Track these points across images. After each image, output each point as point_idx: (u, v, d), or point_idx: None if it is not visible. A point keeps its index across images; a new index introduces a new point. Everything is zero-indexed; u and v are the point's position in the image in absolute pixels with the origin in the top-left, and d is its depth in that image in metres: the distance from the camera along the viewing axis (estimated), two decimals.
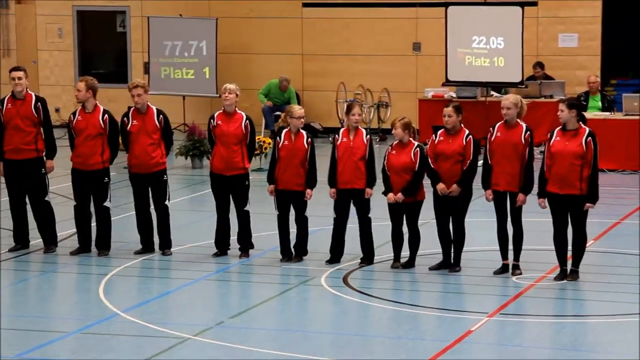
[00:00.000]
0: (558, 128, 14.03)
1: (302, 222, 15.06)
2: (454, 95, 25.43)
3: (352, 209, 14.89)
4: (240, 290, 14.30)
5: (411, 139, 14.56)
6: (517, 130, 14.23)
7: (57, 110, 29.34)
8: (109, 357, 11.41)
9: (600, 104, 23.94)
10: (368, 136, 14.88)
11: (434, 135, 14.61)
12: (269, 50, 28.17)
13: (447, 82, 25.74)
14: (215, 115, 15.49)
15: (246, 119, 15.27)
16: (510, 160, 14.16)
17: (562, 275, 14.11)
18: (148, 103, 15.60)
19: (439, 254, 14.64)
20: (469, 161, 14.30)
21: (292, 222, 15.11)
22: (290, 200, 14.96)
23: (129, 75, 29.20)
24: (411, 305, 13.36)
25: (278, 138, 15.05)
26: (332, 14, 27.88)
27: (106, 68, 29.91)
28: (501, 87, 25.32)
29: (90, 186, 15.55)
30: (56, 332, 12.29)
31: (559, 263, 14.15)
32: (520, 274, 14.27)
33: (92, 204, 15.65)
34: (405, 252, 14.70)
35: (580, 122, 13.99)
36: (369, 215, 14.81)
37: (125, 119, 15.57)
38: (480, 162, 14.51)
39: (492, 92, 25.29)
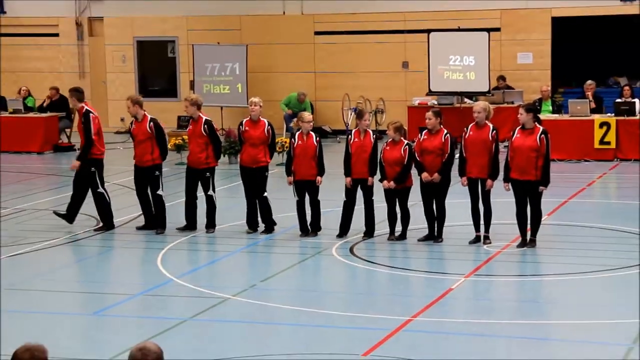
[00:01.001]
0: (518, 127, 14.02)
1: (315, 205, 15.03)
2: (436, 102, 25.33)
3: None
4: (267, 260, 14.25)
5: (402, 138, 14.53)
6: (485, 130, 14.21)
7: (122, 119, 29.35)
8: (165, 314, 11.44)
9: (550, 107, 23.89)
10: (374, 136, 14.88)
11: (419, 135, 14.59)
12: (287, 70, 28.13)
13: (430, 92, 25.66)
14: (244, 121, 15.51)
15: (268, 125, 15.30)
16: (480, 153, 14.14)
17: (523, 244, 14.09)
18: (200, 113, 15.53)
19: (425, 228, 14.61)
20: (447, 155, 14.31)
21: (307, 205, 15.11)
22: (306, 188, 14.95)
23: (178, 91, 29.16)
24: (404, 269, 13.36)
25: (293, 139, 15.06)
26: (338, 40, 27.82)
27: (160, 86, 29.88)
28: (472, 95, 25.24)
29: (145, 178, 15.57)
30: (124, 294, 12.31)
31: (520, 234, 14.13)
32: (490, 243, 14.24)
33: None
34: (398, 228, 14.69)
35: (536, 123, 14.02)
36: (372, 198, 14.81)
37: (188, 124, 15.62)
38: (456, 155, 14.50)
39: (466, 100, 25.20)
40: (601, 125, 22.09)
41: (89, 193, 15.69)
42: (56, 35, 29.81)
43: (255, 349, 10.14)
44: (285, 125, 26.68)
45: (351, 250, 14.24)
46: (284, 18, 28.15)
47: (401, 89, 27.32)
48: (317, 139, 14.97)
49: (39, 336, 6.80)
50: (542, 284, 12.74)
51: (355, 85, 27.32)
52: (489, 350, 10.05)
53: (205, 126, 15.43)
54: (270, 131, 15.30)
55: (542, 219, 14.30)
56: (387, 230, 14.73)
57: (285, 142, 22.21)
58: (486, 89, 24.98)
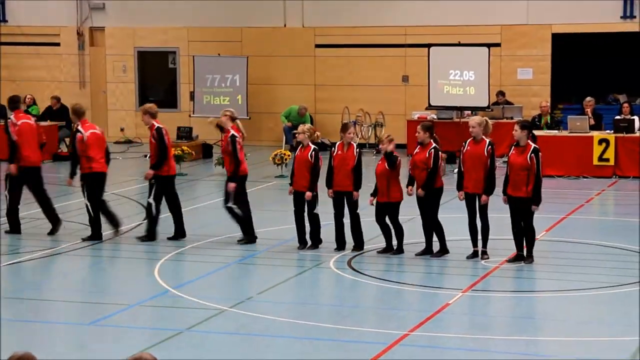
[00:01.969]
0: (514, 144, 14.03)
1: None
2: (435, 117, 25.37)
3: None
4: (265, 272, 14.17)
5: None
6: (482, 145, 14.18)
7: (121, 129, 29.39)
8: (161, 325, 11.42)
9: (549, 123, 23.93)
10: (358, 150, 14.84)
11: (416, 149, 14.62)
12: (288, 82, 28.17)
13: (430, 107, 25.68)
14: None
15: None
16: (476, 168, 14.12)
17: (517, 259, 14.09)
18: (153, 121, 15.62)
19: (423, 243, 14.62)
20: (429, 169, 14.30)
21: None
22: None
23: (178, 102, 29.21)
24: (401, 283, 13.34)
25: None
26: (338, 53, 27.86)
27: (160, 96, 29.85)
28: (472, 110, 25.27)
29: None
30: (120, 304, 12.29)
31: (516, 249, 14.13)
32: (488, 258, 14.23)
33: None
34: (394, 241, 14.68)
35: (530, 140, 13.97)
36: (357, 212, 14.75)
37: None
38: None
39: (465, 114, 25.24)
40: (600, 142, 22.10)
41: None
42: (57, 44, 29.87)
43: None
44: (284, 137, 26.72)
45: (349, 263, 14.23)
46: (284, 30, 28.20)
47: (401, 102, 27.36)
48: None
49: (35, 346, 6.79)
50: (539, 300, 12.73)
51: (355, 99, 27.37)
52: None
53: (155, 132, 15.51)
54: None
55: (540, 235, 14.29)
56: (385, 243, 14.70)
57: (285, 154, 22.27)
58: (486, 104, 25.00)
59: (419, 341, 10.73)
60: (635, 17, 25.60)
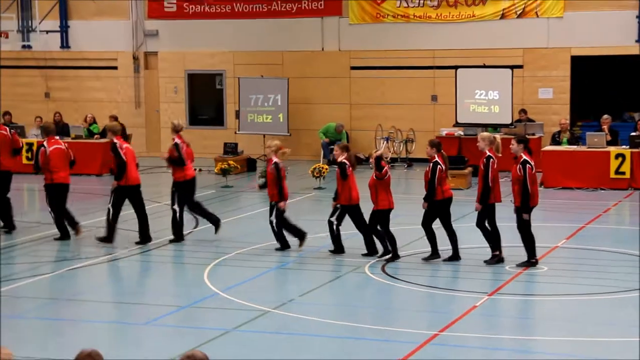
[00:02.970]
0: (514, 157, 13.98)
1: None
2: (462, 133, 25.29)
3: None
4: (305, 276, 14.09)
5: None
6: (482, 158, 14.13)
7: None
8: (210, 325, 11.46)
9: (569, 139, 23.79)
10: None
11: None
12: (325, 101, 28.16)
13: (457, 124, 25.61)
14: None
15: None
16: (479, 180, 14.14)
17: (526, 264, 14.00)
18: (113, 138, 15.89)
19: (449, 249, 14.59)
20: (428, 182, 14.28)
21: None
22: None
23: (224, 120, 29.28)
24: (430, 287, 13.31)
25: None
26: (372, 74, 27.82)
27: (208, 115, 29.98)
28: (496, 127, 25.19)
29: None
30: (173, 306, 12.36)
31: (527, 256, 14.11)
32: (493, 261, 14.14)
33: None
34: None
35: (524, 154, 13.84)
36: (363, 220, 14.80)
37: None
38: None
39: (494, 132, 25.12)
40: (617, 156, 21.94)
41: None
42: (115, 68, 30.08)
43: (287, 358, 10.14)
44: (322, 152, 26.72)
45: (382, 268, 14.21)
46: (322, 54, 28.24)
47: (430, 120, 27.27)
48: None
49: (96, 345, 6.84)
50: (561, 303, 12.62)
51: (387, 116, 27.33)
52: None
53: (110, 147, 16.00)
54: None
55: (561, 242, 14.18)
56: (420, 250, 14.66)
57: (323, 167, 22.28)
58: (509, 122, 24.91)
59: (449, 341, 10.70)
60: None
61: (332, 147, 25.77)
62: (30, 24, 29.30)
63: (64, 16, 29.87)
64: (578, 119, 26.77)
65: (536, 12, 26.17)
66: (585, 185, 21.96)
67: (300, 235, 15.35)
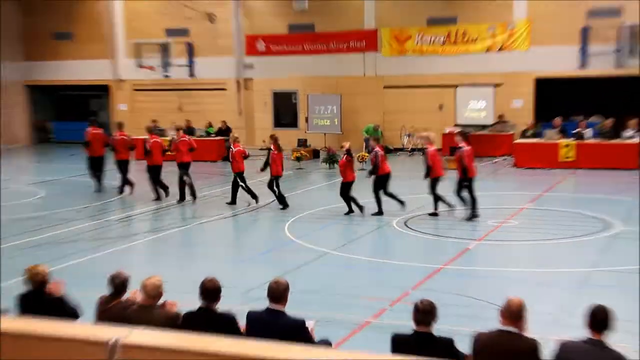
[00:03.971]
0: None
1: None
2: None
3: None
4: (353, 229, 14.05)
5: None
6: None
7: (263, 141, 29.49)
8: (289, 260, 11.40)
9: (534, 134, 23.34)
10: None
11: None
12: (366, 110, 28.05)
13: (456, 125, 25.33)
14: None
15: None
16: None
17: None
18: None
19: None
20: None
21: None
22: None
23: (298, 123, 29.26)
24: (437, 235, 13.16)
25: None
26: (398, 92, 27.60)
27: (287, 120, 30.00)
28: (483, 126, 24.86)
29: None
30: (263, 249, 12.35)
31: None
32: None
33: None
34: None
35: (464, 143, 13.78)
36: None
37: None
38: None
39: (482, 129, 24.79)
40: (565, 146, 21.53)
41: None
42: (224, 89, 30.24)
43: (342, 283, 10.15)
44: (364, 145, 26.58)
45: (405, 223, 14.12)
46: (364, 78, 28.08)
47: (438, 121, 26.99)
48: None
49: (216, 271, 6.89)
50: (532, 245, 12.41)
51: (408, 119, 27.16)
52: (504, 287, 9.84)
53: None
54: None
55: (526, 205, 13.89)
56: (432, 209, 14.50)
57: (364, 155, 22.15)
58: (491, 123, 24.62)
59: (452, 272, 10.60)
60: (584, 66, 24.85)
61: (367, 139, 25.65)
62: (168, 61, 29.59)
63: (191, 54, 30.05)
64: (539, 121, 26.30)
65: (510, 47, 25.71)
66: (544, 166, 21.58)
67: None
